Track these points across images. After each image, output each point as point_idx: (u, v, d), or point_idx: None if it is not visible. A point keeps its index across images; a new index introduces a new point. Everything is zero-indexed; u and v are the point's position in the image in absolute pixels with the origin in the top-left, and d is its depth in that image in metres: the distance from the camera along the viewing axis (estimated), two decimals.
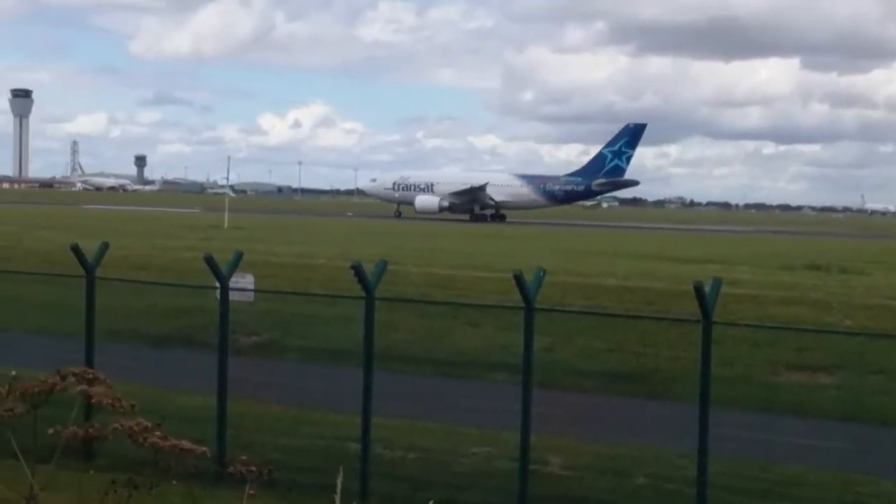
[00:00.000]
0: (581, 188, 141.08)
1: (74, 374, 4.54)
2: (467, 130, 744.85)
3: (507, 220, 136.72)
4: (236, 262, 18.39)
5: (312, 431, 20.45)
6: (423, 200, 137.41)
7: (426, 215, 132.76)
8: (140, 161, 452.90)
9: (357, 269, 16.71)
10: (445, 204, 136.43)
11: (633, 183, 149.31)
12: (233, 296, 18.59)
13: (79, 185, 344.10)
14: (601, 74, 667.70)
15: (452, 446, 19.75)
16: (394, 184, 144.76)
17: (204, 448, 4.88)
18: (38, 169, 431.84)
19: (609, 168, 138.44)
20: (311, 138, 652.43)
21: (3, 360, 19.11)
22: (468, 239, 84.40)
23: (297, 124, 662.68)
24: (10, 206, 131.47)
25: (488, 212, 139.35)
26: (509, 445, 17.43)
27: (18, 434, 5.52)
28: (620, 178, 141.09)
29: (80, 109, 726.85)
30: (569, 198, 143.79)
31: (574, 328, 28.82)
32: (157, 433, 4.63)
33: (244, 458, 5.30)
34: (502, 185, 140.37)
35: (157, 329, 30.38)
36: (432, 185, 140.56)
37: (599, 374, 27.08)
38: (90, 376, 4.55)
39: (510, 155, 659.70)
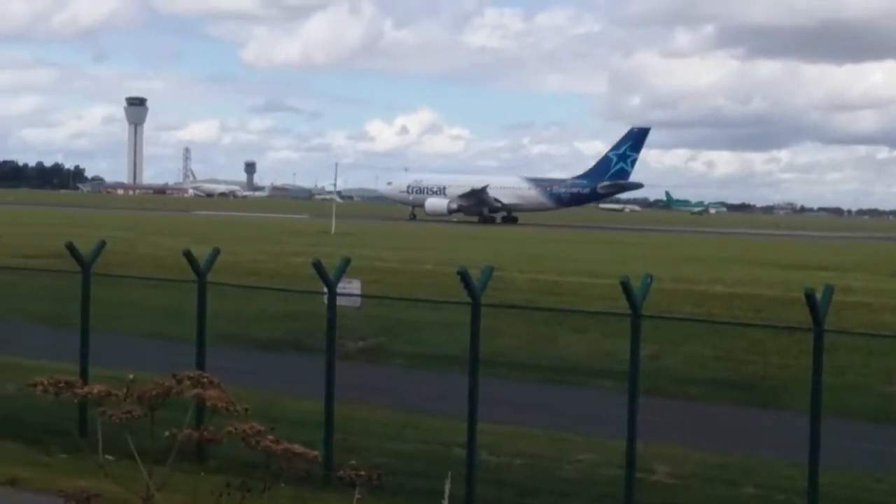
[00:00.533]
0: (586, 191, 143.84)
1: (189, 378, 4.65)
2: (573, 136, 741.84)
3: (519, 222, 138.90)
4: (344, 268, 18.61)
5: (418, 436, 20.57)
6: (433, 203, 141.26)
7: (436, 217, 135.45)
8: (250, 167, 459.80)
9: (463, 275, 16.78)
10: (454, 206, 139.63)
11: (637, 185, 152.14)
12: (340, 301, 18.81)
13: (191, 191, 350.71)
14: (710, 79, 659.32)
15: (558, 453, 19.70)
16: (408, 187, 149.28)
17: (315, 452, 4.94)
18: (151, 175, 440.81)
19: (614, 171, 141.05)
20: (418, 144, 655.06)
21: (117, 364, 19.60)
22: (575, 245, 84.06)
23: (403, 130, 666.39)
24: (126, 211, 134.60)
25: (499, 214, 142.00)
26: (615, 453, 17.33)
27: (135, 436, 5.66)
28: (625, 181, 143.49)
29: (192, 117, 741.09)
30: (575, 200, 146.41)
31: (681, 335, 28.54)
32: (270, 437, 4.71)
33: (353, 462, 5.36)
34: (511, 187, 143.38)
35: (266, 333, 30.84)
36: (444, 188, 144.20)
37: (707, 382, 26.76)
38: (205, 380, 4.65)
39: None
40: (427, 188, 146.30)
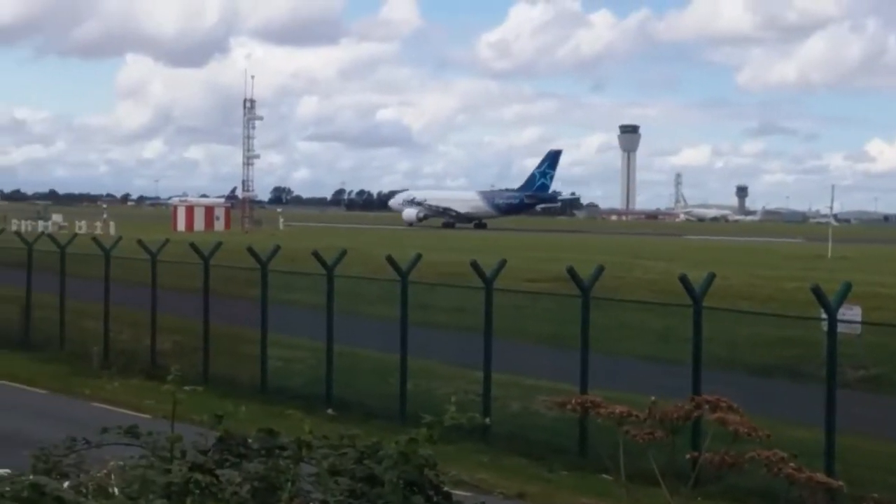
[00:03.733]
0: (516, 201, 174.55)
1: (708, 402, 4.73)
2: None
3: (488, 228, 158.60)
4: (845, 293, 18.01)
5: None
6: (406, 213, 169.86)
7: (415, 224, 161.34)
8: (741, 191, 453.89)
9: None
10: (421, 215, 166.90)
11: (552, 198, 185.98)
12: (840, 328, 18.21)
13: (681, 215, 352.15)
14: None
15: None
16: (403, 200, 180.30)
17: (839, 482, 4.86)
18: (643, 201, 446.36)
19: (538, 186, 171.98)
20: None
21: (612, 385, 20.15)
22: None
23: None
24: (618, 237, 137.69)
25: (472, 223, 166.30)
26: None
27: (630, 458, 5.81)
28: (545, 194, 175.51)
29: (685, 142, 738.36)
30: (510, 209, 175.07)
31: None
32: (792, 464, 4.69)
33: (875, 495, 5.21)
34: (466, 200, 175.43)
35: (759, 359, 30.29)
36: (424, 200, 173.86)
37: None
38: (723, 404, 4.72)
39: None
40: (413, 200, 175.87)
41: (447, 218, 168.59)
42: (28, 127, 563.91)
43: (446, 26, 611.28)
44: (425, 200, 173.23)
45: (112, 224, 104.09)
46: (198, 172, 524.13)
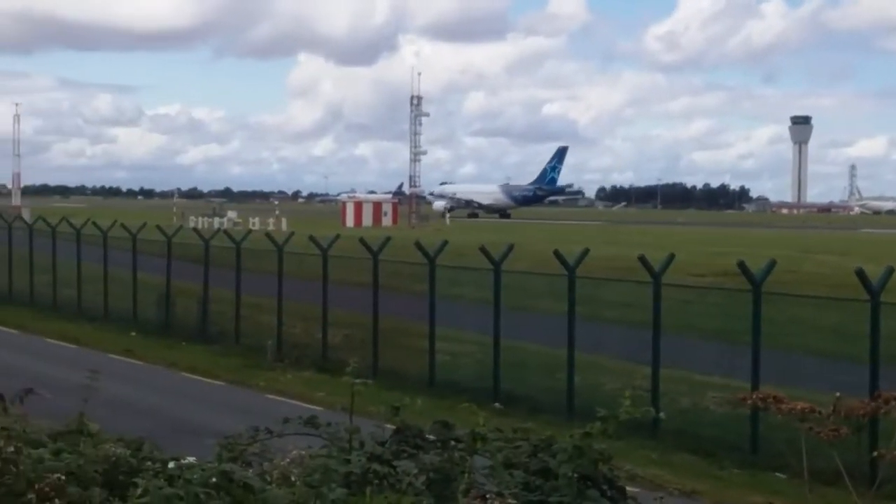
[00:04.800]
0: (530, 194, 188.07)
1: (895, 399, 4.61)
2: None
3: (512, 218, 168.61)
4: None
5: None
6: (436, 205, 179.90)
7: (445, 215, 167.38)
8: None
9: None
10: (448, 206, 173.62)
11: (560, 190, 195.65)
12: None
13: (856, 209, 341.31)
14: None
15: None
16: (430, 193, 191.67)
17: None
18: (815, 194, 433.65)
19: (548, 180, 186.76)
20: None
21: (783, 381, 19.71)
22: None
23: None
24: (789, 230, 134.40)
25: (497, 213, 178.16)
26: None
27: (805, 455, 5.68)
28: (554, 187, 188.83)
29: (860, 133, 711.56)
30: (525, 201, 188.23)
31: None
32: None
33: None
34: (487, 192, 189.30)
35: None
36: (454, 193, 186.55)
37: None
38: None
39: None
40: (441, 193, 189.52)
41: (471, 209, 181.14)
42: (205, 126, 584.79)
43: (613, 19, 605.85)
44: (455, 194, 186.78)
45: (284, 220, 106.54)
46: (366, 169, 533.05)
